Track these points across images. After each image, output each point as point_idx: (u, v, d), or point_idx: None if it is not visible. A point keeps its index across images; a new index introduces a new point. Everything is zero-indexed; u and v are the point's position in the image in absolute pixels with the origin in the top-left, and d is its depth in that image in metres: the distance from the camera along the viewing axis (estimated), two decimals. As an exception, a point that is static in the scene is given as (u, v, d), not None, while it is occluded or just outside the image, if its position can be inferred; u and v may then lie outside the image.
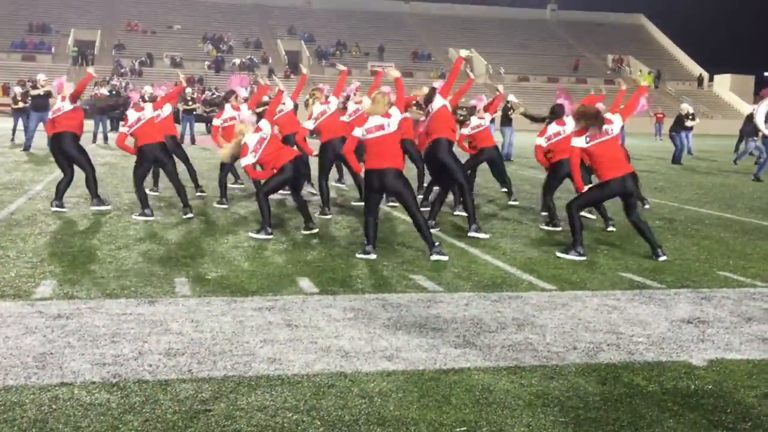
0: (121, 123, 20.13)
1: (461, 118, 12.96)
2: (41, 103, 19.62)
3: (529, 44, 64.69)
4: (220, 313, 5.62)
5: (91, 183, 10.18)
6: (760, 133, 17.96)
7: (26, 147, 19.78)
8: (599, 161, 7.70)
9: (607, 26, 69.95)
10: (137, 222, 9.42)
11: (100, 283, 6.42)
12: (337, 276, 6.88)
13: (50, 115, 10.26)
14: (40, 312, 5.52)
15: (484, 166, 12.33)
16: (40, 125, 19.84)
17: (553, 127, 9.60)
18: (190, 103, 25.69)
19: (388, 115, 7.54)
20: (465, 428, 3.76)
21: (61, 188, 10.10)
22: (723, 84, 61.93)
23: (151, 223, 9.33)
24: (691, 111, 23.33)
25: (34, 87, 20.52)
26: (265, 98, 12.06)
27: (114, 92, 28.23)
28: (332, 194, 12.25)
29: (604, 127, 7.67)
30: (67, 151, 10.02)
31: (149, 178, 11.41)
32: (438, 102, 8.96)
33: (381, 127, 7.53)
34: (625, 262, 7.84)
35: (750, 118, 20.76)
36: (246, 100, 11.69)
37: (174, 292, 6.19)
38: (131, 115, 9.79)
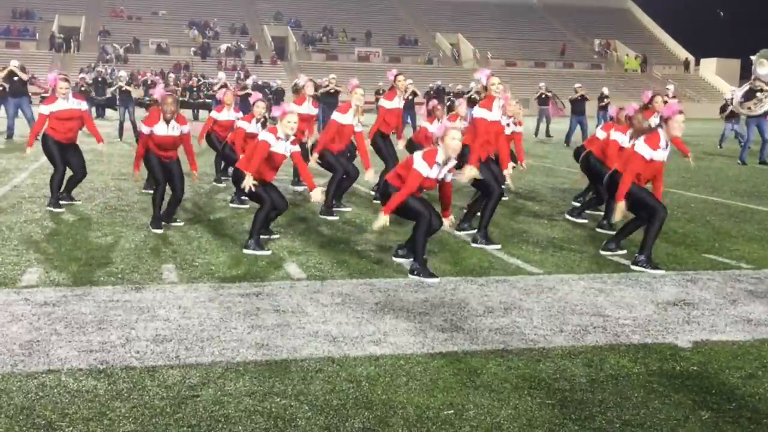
0: (129, 110, 20.08)
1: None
2: (19, 89, 19.33)
3: (516, 29, 64.56)
4: (207, 299, 5.62)
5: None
6: (742, 117, 18.07)
7: (9, 134, 19.59)
8: None
9: (593, 10, 69.91)
10: (124, 209, 9.39)
11: (87, 270, 6.39)
12: (325, 261, 6.88)
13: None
14: (26, 299, 5.49)
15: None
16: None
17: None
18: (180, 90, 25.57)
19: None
20: (452, 411, 3.78)
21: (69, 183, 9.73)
22: (709, 68, 62.09)
23: (139, 211, 9.29)
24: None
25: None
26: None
27: (100, 79, 28.01)
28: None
29: None
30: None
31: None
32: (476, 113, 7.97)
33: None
34: (612, 245, 7.87)
35: (724, 106, 20.84)
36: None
37: (161, 279, 6.17)
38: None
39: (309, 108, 10.95)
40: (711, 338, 4.99)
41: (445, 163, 6.48)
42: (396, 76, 10.33)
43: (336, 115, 9.46)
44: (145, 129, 8.08)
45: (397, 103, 10.36)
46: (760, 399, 4.02)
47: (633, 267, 6.86)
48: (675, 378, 4.28)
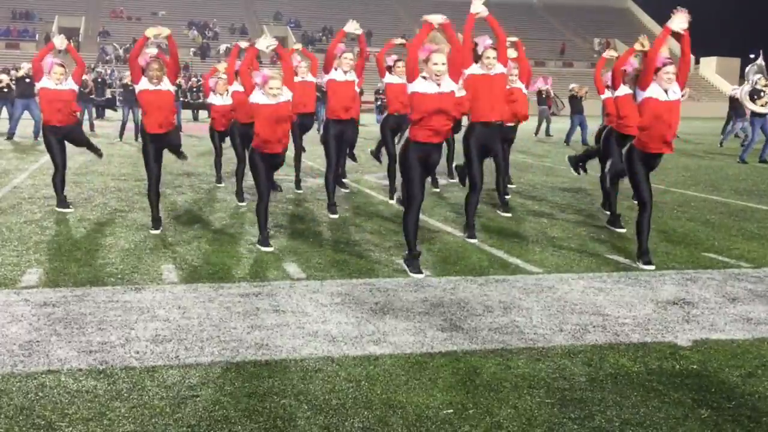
0: (134, 110, 19.92)
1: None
2: (28, 90, 19.32)
3: (515, 28, 64.46)
4: (207, 299, 5.62)
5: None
6: (748, 113, 18.06)
7: (10, 135, 19.61)
8: None
9: (593, 9, 69.91)
10: (123, 210, 9.39)
11: (87, 270, 6.39)
12: (324, 261, 6.88)
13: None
14: (26, 300, 5.50)
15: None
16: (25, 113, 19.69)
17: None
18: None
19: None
20: (452, 411, 3.78)
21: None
22: (709, 66, 62.13)
23: (138, 211, 9.29)
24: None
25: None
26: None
27: (99, 80, 28.03)
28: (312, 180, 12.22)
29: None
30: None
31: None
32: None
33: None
34: (612, 243, 7.87)
35: (733, 99, 20.82)
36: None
37: (161, 279, 6.18)
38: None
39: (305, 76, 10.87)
40: (710, 337, 4.99)
41: (436, 80, 6.28)
42: (396, 62, 10.16)
43: (327, 77, 9.29)
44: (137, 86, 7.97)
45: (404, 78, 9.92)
46: (759, 397, 4.02)
47: (644, 267, 6.84)
48: (674, 377, 4.28)
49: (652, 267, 6.80)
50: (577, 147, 21.25)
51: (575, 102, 22.75)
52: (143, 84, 7.91)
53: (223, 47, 54.64)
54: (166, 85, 8.00)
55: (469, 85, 7.79)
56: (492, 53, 7.82)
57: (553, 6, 70.14)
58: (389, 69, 10.20)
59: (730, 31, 72.07)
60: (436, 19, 6.57)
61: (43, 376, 4.11)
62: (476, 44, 7.89)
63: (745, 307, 5.67)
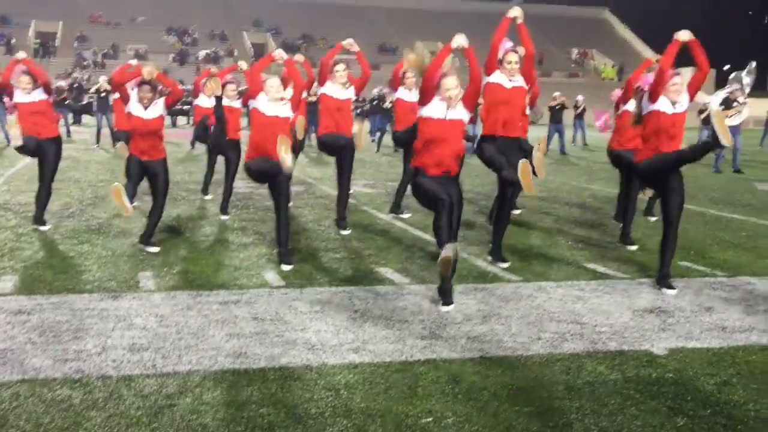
0: (107, 116, 19.64)
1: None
2: None
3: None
4: (185, 307, 5.58)
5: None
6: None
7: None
8: None
9: (571, 20, 70.49)
10: (100, 216, 9.32)
11: (62, 278, 6.33)
12: (304, 269, 6.86)
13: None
14: (0, 308, 5.43)
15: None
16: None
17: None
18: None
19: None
20: (431, 419, 3.78)
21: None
22: (685, 77, 62.49)
23: (115, 218, 9.22)
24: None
25: None
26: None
27: (76, 85, 27.82)
28: (298, 188, 12.20)
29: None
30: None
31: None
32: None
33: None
34: (590, 252, 7.92)
35: (701, 111, 21.00)
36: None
37: (138, 287, 6.13)
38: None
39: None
40: (686, 345, 5.03)
41: (449, 104, 5.93)
42: (405, 72, 9.24)
43: (321, 90, 8.61)
44: (128, 108, 7.57)
45: (415, 96, 8.82)
46: (734, 405, 4.06)
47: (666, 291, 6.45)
48: (651, 385, 4.32)
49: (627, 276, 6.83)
50: (555, 156, 21.39)
51: (554, 112, 22.95)
52: (135, 109, 7.54)
53: (202, 53, 54.47)
54: (158, 110, 7.59)
55: (485, 94, 7.26)
56: (514, 57, 7.34)
57: (531, 16, 70.02)
58: (401, 81, 9.34)
59: (706, 42, 72.94)
60: (460, 42, 6.15)
61: (18, 385, 4.06)
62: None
63: (720, 316, 5.72)
